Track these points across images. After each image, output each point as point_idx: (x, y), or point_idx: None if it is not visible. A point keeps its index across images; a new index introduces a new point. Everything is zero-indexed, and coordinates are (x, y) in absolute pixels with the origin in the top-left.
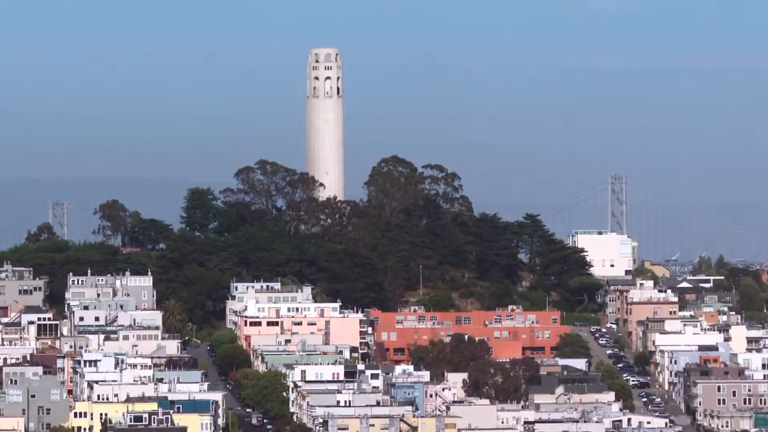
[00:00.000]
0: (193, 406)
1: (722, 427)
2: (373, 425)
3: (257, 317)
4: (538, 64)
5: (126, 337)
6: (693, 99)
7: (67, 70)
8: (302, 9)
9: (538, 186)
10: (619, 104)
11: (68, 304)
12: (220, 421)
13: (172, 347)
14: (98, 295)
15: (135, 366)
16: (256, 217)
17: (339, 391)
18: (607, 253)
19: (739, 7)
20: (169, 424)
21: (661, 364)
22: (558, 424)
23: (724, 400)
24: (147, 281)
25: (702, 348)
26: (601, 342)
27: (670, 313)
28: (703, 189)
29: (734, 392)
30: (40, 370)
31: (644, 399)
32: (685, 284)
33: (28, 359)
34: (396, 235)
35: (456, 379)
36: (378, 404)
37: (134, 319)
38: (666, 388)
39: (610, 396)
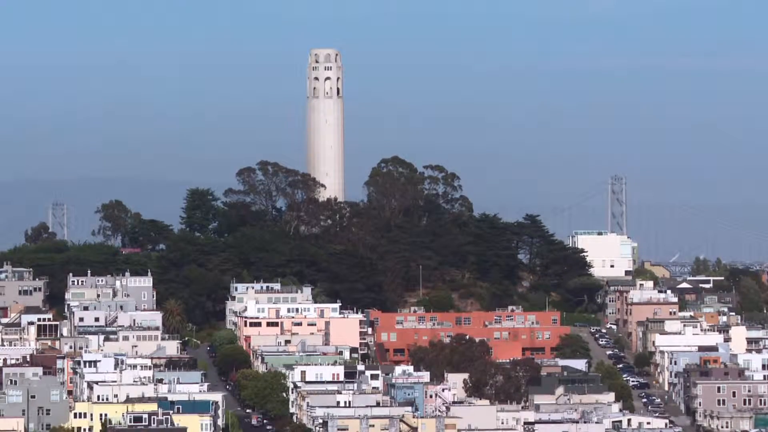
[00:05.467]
0: (192, 407)
1: (722, 427)
2: (373, 426)
3: (257, 318)
4: (538, 65)
5: (126, 338)
6: (693, 99)
7: (67, 70)
8: (302, 9)
9: (538, 186)
10: (619, 104)
11: (68, 305)
12: (220, 422)
13: (172, 348)
14: (98, 295)
15: (135, 366)
16: (256, 217)
17: (339, 392)
18: (607, 254)
19: (739, 7)
20: (169, 424)
21: (661, 365)
22: (558, 425)
23: (724, 401)
24: (147, 282)
25: (702, 349)
26: (601, 342)
27: (670, 313)
28: (703, 189)
29: (734, 393)
30: (40, 370)
31: (644, 399)
32: (684, 285)
33: (28, 360)
34: (396, 236)
35: (456, 380)
36: (378, 405)
37: (134, 320)
38: (666, 388)
39: (610, 397)
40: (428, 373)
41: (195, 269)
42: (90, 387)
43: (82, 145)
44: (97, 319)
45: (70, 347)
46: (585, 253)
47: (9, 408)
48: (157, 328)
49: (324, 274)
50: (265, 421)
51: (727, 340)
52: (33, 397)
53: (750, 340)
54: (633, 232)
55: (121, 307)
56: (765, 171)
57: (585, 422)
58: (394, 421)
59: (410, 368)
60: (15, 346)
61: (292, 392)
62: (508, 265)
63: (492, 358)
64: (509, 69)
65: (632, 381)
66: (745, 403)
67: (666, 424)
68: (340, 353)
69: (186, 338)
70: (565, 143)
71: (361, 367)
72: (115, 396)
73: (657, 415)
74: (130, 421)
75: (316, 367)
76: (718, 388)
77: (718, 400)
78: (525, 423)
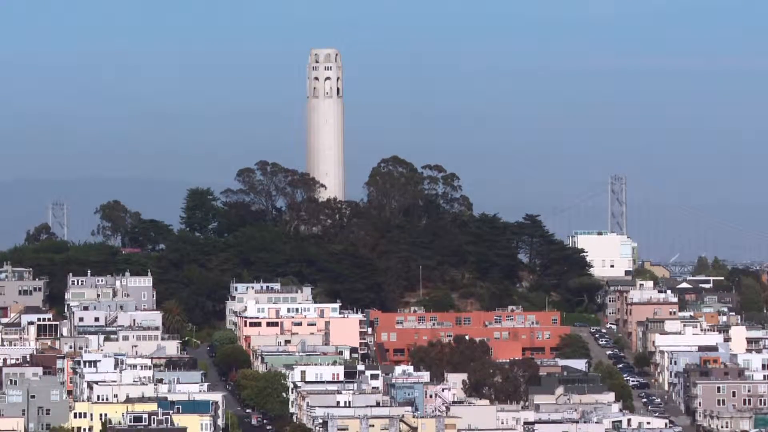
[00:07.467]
0: (192, 407)
1: (722, 427)
2: (373, 426)
3: (257, 318)
4: (538, 65)
5: (126, 338)
6: (692, 99)
7: (67, 70)
8: (302, 9)
9: (538, 186)
10: (619, 104)
11: (68, 305)
12: (220, 422)
13: (172, 348)
14: (98, 295)
15: (135, 366)
16: (256, 217)
17: (339, 392)
18: (607, 254)
19: (739, 8)
20: (169, 424)
21: (660, 365)
22: (558, 425)
23: (723, 401)
24: (147, 282)
25: (702, 348)
26: (600, 342)
27: (670, 313)
28: (703, 189)
29: (734, 393)
30: (39, 370)
31: (644, 399)
32: (684, 285)
33: (28, 360)
34: (396, 236)
35: (456, 380)
36: (378, 405)
37: (134, 320)
38: (666, 388)
39: (610, 396)
40: (428, 373)
41: (195, 269)
42: (90, 387)
43: (82, 145)
44: (97, 319)
45: (70, 347)
46: (585, 253)
47: (9, 408)
48: (157, 328)
49: (324, 274)
50: (265, 421)
51: (727, 340)
52: (33, 397)
53: (750, 340)
54: (633, 232)
55: (121, 307)
56: (765, 171)
57: (585, 422)
58: (394, 421)
59: (410, 368)
60: (15, 346)
61: (292, 392)
62: (508, 265)
63: (492, 358)
64: (509, 69)
65: (632, 381)
66: (745, 403)
67: (666, 424)
68: (340, 353)
69: (186, 338)
70: (565, 143)
71: (361, 367)
72: (115, 396)
73: (657, 415)
74: (130, 421)
75: (316, 367)
76: (718, 388)
77: (718, 400)
78: (525, 423)
